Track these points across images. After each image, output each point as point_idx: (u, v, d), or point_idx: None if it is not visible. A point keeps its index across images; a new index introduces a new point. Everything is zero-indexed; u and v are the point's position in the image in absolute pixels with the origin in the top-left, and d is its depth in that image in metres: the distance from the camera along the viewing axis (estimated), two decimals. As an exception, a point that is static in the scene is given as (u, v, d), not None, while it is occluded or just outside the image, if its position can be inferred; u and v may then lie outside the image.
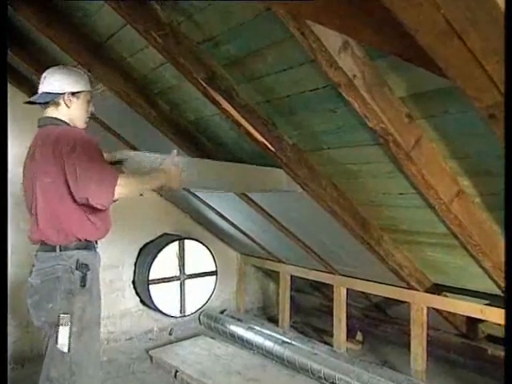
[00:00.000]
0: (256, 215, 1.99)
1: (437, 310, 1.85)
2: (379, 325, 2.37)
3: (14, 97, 1.40)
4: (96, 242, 1.17)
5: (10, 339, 1.84)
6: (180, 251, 2.40)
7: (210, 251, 2.52)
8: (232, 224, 2.33)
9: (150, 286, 2.26)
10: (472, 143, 1.03)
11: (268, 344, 2.07)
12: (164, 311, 2.34)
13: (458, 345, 2.00)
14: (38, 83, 1.16)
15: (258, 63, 1.08)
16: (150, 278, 2.27)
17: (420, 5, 0.61)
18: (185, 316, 2.43)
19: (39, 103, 1.15)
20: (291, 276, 2.41)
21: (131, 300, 2.40)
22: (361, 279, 2.00)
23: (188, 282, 2.42)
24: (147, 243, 2.44)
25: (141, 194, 1.24)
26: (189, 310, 2.43)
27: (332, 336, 2.13)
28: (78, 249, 1.11)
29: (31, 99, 1.16)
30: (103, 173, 1.03)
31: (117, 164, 1.18)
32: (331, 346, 2.10)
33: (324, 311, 2.65)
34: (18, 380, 1.82)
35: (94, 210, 1.10)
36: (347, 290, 2.09)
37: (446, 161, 1.12)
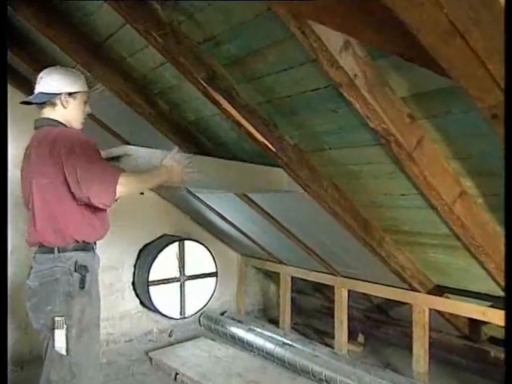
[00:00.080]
0: (256, 216, 1.98)
1: (439, 312, 1.83)
2: (381, 326, 2.35)
3: (14, 97, 1.40)
4: (94, 244, 1.16)
5: (9, 341, 1.83)
6: (180, 252, 2.40)
7: (210, 252, 2.51)
8: (232, 225, 2.32)
9: (150, 288, 2.25)
10: (475, 143, 1.02)
11: (269, 346, 2.05)
12: (164, 313, 2.33)
13: (460, 347, 1.98)
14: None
15: (259, 63, 1.07)
16: (150, 279, 2.26)
17: (422, 4, 0.60)
18: (185, 318, 2.42)
19: (35, 103, 1.14)
20: (292, 277, 2.40)
21: (131, 301, 2.39)
22: (362, 280, 1.99)
23: (188, 284, 2.41)
24: (147, 244, 2.43)
25: (141, 193, 1.23)
26: (189, 311, 2.42)
27: (333, 338, 2.12)
28: (76, 250, 1.10)
29: (27, 99, 1.16)
30: (104, 172, 1.03)
31: (113, 160, 1.17)
32: (332, 347, 2.09)
33: (325, 313, 2.63)
34: (18, 382, 1.80)
35: (93, 210, 1.10)
36: (348, 291, 2.08)
37: (449, 161, 1.11)
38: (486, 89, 0.72)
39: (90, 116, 1.33)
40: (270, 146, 1.33)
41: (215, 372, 1.88)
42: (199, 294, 2.46)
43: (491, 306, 1.57)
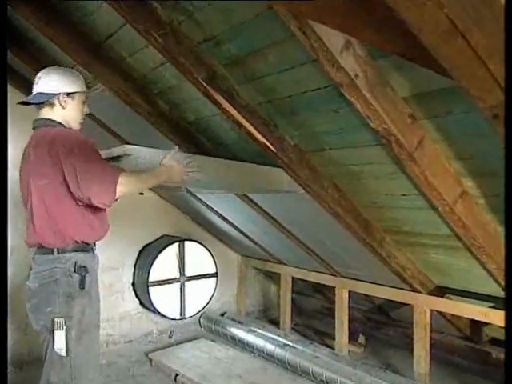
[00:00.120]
0: (257, 216, 1.97)
1: (440, 313, 1.83)
2: (382, 327, 2.35)
3: (13, 97, 1.40)
4: (94, 244, 1.16)
5: (9, 342, 1.82)
6: (180, 253, 2.39)
7: (210, 253, 2.50)
8: (232, 225, 2.32)
9: (150, 288, 2.25)
10: (476, 143, 1.01)
11: (269, 347, 2.05)
12: (164, 313, 2.32)
13: (461, 348, 1.97)
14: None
15: (259, 63, 1.07)
16: (150, 280, 2.25)
17: (423, 4, 0.60)
18: (185, 318, 2.41)
19: (34, 104, 1.13)
20: (292, 278, 2.39)
21: (131, 302, 2.38)
22: (363, 281, 1.98)
23: (188, 284, 2.40)
24: (147, 245, 2.42)
25: (141, 193, 1.23)
26: (189, 312, 2.41)
27: (334, 339, 2.12)
28: (75, 251, 1.09)
29: (25, 99, 1.15)
30: (104, 172, 1.02)
31: (113, 160, 1.16)
32: (333, 348, 2.08)
33: (326, 313, 2.63)
34: (17, 383, 1.80)
35: (92, 211, 1.09)
36: (349, 292, 2.07)
37: (450, 161, 1.11)
38: (487, 88, 0.72)
39: (90, 116, 1.33)
40: (271, 147, 1.33)
41: (215, 373, 1.88)
42: (199, 295, 2.45)
43: (492, 307, 1.57)
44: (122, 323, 2.34)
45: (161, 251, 2.31)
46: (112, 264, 2.26)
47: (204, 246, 2.49)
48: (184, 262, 2.39)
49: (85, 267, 1.09)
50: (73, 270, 1.07)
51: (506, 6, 0.57)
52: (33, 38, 1.51)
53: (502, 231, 1.24)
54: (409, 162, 1.08)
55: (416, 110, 1.00)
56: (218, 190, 1.67)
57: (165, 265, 2.31)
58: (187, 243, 2.42)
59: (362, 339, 2.32)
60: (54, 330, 1.03)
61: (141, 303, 2.41)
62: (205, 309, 2.50)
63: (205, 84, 1.16)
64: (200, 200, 2.17)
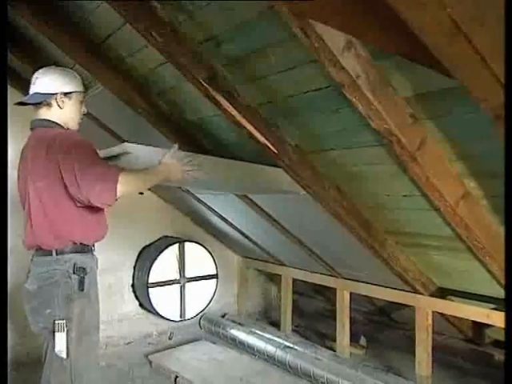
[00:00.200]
0: (257, 217, 1.96)
1: (442, 315, 1.82)
2: (383, 329, 2.34)
3: (13, 97, 1.39)
4: (93, 245, 1.15)
5: (8, 343, 1.81)
6: (180, 254, 2.38)
7: (210, 254, 2.49)
8: (233, 226, 2.31)
9: (150, 290, 2.24)
10: (478, 144, 1.01)
11: (270, 349, 2.04)
12: (164, 315, 2.31)
13: (463, 350, 1.97)
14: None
15: (260, 63, 1.06)
16: (150, 281, 2.24)
17: (425, 4, 0.60)
18: (185, 320, 2.40)
19: (31, 104, 1.13)
20: (293, 279, 2.38)
21: (130, 304, 2.37)
22: (364, 283, 1.97)
23: (188, 286, 2.39)
24: (146, 246, 2.41)
25: (141, 193, 1.22)
26: (189, 313, 2.40)
27: (335, 341, 2.10)
28: (74, 252, 1.09)
29: (23, 100, 1.15)
30: (103, 172, 1.02)
31: (113, 158, 1.15)
32: (334, 350, 2.07)
33: (327, 315, 2.62)
34: (15, 385, 1.79)
35: (91, 212, 1.09)
36: (350, 293, 2.06)
37: (452, 162, 1.10)
38: (489, 89, 0.71)
39: (89, 115, 1.32)
40: (271, 147, 1.32)
41: (216, 375, 1.87)
42: (199, 296, 2.44)
43: (495, 309, 1.56)
44: (122, 325, 2.33)
45: (161, 252, 2.30)
46: (111, 265, 2.25)
47: (204, 247, 2.48)
48: (184, 263, 2.38)
49: (84, 268, 1.08)
50: (72, 271, 1.07)
51: (505, 6, 0.57)
52: (32, 38, 1.51)
53: (504, 232, 1.23)
54: (410, 162, 1.08)
55: (418, 110, 0.99)
56: (218, 189, 1.66)
57: (165, 266, 2.31)
58: (187, 244, 2.41)
59: (363, 341, 2.31)
60: (54, 332, 1.02)
61: (140, 305, 2.40)
62: (205, 310, 2.49)
63: (205, 84, 1.15)
64: (200, 201, 2.17)
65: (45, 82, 1.11)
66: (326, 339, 2.36)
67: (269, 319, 2.80)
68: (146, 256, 2.35)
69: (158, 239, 2.45)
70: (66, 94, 1.12)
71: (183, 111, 1.52)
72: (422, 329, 1.74)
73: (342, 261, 1.97)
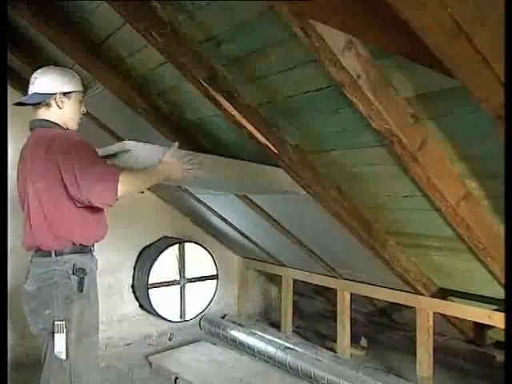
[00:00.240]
0: (257, 218, 1.96)
1: (443, 316, 1.81)
2: (384, 330, 2.33)
3: (12, 98, 1.39)
4: (92, 246, 1.15)
5: (8, 344, 1.81)
6: (180, 254, 2.38)
7: (210, 254, 2.49)
8: (233, 227, 2.31)
9: (150, 291, 2.23)
10: (479, 144, 1.00)
11: (270, 350, 2.03)
12: (164, 316, 2.30)
13: (465, 351, 1.96)
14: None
15: (260, 63, 1.06)
16: (150, 282, 2.24)
17: (426, 4, 0.59)
18: (185, 321, 2.40)
19: (30, 104, 1.12)
20: (293, 280, 2.37)
21: (130, 304, 2.37)
22: (365, 283, 1.97)
23: (188, 286, 2.39)
24: (146, 246, 2.41)
25: (141, 192, 1.21)
26: (189, 314, 2.39)
27: (336, 342, 2.10)
28: (74, 253, 1.08)
29: (22, 100, 1.14)
30: (104, 172, 1.01)
31: (113, 156, 1.15)
32: (335, 351, 2.06)
33: (327, 316, 2.61)
34: (15, 386, 1.79)
35: (90, 212, 1.08)
36: (351, 294, 2.05)
37: (453, 162, 1.10)
38: (491, 89, 0.71)
39: (88, 115, 1.32)
40: (272, 147, 1.32)
41: (216, 376, 1.86)
42: (199, 297, 2.44)
43: (496, 310, 1.55)
44: (122, 326, 2.33)
45: (161, 253, 2.29)
46: (111, 266, 2.25)
47: (204, 247, 2.48)
48: (184, 264, 2.38)
49: (83, 269, 1.08)
50: (71, 272, 1.06)
51: (506, 6, 0.57)
52: (32, 38, 1.51)
53: (505, 233, 1.22)
54: (411, 162, 1.07)
55: (419, 110, 0.99)
56: (218, 189, 1.65)
57: (165, 267, 2.30)
58: (187, 245, 2.40)
59: (364, 342, 2.30)
60: (53, 333, 1.02)
61: (140, 305, 2.40)
62: (205, 311, 2.48)
63: (205, 84, 1.15)
64: (200, 201, 2.16)
65: (44, 82, 1.10)
66: (326, 340, 2.35)
67: (269, 320, 2.79)
68: (146, 256, 2.35)
69: (158, 240, 2.44)
70: (65, 93, 1.12)
71: (183, 111, 1.52)
72: (423, 330, 1.74)
73: (342, 261, 1.97)
